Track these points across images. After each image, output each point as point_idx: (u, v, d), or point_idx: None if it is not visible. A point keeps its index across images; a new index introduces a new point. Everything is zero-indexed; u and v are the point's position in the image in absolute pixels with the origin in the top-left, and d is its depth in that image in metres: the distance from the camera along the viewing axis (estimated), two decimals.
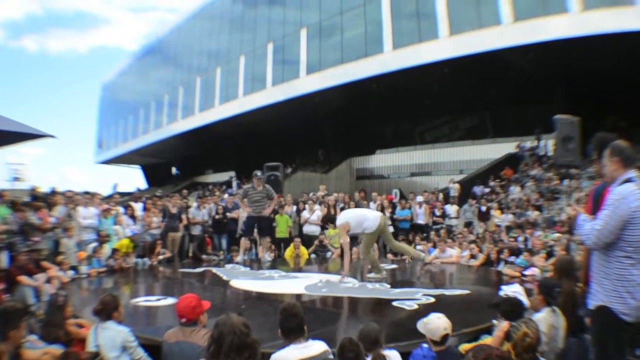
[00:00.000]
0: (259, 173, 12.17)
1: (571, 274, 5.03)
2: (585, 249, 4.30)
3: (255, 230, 12.65)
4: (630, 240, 3.61)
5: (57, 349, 4.69)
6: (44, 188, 13.81)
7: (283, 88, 31.10)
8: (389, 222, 14.46)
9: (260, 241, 12.86)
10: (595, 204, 4.11)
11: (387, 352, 3.87)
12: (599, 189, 4.30)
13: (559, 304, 4.61)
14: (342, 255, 12.58)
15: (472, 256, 11.87)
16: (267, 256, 12.22)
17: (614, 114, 21.85)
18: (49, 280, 8.45)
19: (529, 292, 5.86)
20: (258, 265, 11.77)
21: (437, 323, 4.18)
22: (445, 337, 4.17)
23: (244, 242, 12.31)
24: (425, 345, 4.17)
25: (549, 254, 10.03)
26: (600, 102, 21.72)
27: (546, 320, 4.39)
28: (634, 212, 3.59)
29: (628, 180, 3.72)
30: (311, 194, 16.15)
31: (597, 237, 3.68)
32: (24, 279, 8.10)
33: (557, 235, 11.30)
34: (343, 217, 9.52)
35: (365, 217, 9.40)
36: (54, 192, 12.86)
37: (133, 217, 12.71)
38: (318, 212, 14.12)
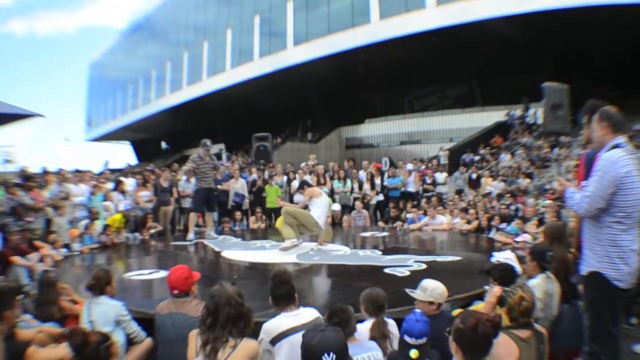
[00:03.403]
0: (208, 143, 11.09)
1: (562, 240, 4.98)
2: (578, 216, 4.30)
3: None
4: (621, 205, 3.64)
5: (51, 327, 4.70)
6: (35, 168, 13.71)
7: (271, 60, 30.90)
8: (379, 189, 14.55)
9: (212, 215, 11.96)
10: (587, 170, 4.10)
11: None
12: (590, 155, 4.30)
13: (552, 270, 4.63)
14: (332, 224, 12.67)
15: (468, 222, 11.94)
16: (213, 233, 11.50)
17: (605, 84, 21.79)
18: (42, 260, 8.45)
19: (520, 259, 5.89)
20: (250, 235, 11.81)
21: (441, 287, 4.23)
22: None
23: (194, 217, 11.59)
24: (417, 310, 4.19)
25: (540, 221, 10.07)
26: (591, 72, 21.65)
27: (541, 286, 4.38)
28: (623, 177, 3.60)
29: (616, 146, 3.73)
30: (303, 165, 16.03)
31: (589, 204, 3.69)
32: (17, 259, 8.11)
33: (548, 202, 11.31)
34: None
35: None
36: (45, 172, 12.76)
37: (124, 192, 12.67)
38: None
